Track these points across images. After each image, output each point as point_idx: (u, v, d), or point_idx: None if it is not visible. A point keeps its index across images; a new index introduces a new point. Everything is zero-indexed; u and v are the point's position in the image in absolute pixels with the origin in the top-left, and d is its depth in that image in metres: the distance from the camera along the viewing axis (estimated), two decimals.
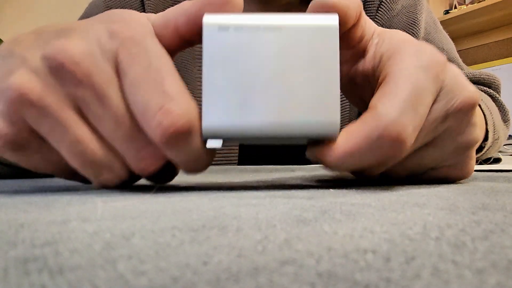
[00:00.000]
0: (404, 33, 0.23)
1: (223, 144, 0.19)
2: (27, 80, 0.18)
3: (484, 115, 0.47)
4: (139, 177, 0.22)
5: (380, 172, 0.22)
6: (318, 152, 0.19)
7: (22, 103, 0.18)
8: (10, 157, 0.19)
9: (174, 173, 0.23)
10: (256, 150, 0.59)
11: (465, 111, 0.21)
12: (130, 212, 0.13)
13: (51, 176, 0.37)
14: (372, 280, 0.07)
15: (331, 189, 0.20)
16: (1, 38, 1.17)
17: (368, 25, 0.23)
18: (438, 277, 0.07)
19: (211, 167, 0.50)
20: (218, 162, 0.57)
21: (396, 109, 0.18)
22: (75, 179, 0.21)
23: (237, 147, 0.58)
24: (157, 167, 0.19)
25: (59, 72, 0.18)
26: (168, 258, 0.08)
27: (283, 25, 0.19)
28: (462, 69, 0.59)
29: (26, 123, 0.18)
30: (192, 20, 0.20)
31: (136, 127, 0.18)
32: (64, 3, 1.48)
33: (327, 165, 0.19)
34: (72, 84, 0.18)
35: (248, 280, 0.07)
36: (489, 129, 0.47)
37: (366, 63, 0.23)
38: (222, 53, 0.19)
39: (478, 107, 0.48)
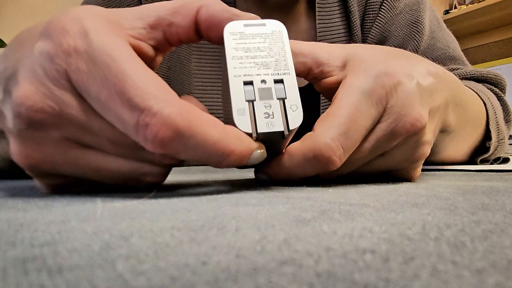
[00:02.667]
0: (373, 47, 0.25)
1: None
2: (20, 149, 0.18)
3: (488, 115, 0.47)
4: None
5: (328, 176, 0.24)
6: (267, 170, 0.23)
7: (31, 168, 0.18)
8: (47, 180, 0.20)
9: None
10: None
11: (412, 133, 0.23)
12: (129, 212, 0.13)
13: None
14: (371, 280, 0.07)
15: (330, 190, 0.20)
16: (1, 38, 1.17)
17: (332, 61, 0.25)
18: (437, 277, 0.07)
19: (211, 167, 0.50)
20: None
21: (330, 133, 0.21)
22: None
23: None
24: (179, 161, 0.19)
25: (34, 124, 0.17)
26: (167, 258, 0.08)
27: None
28: (467, 67, 0.59)
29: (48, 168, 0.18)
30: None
31: (132, 140, 0.17)
32: (64, 3, 1.48)
33: (277, 179, 0.23)
34: (52, 129, 0.17)
35: (247, 280, 0.07)
36: (491, 129, 0.47)
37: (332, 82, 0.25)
38: None
39: (482, 104, 0.48)
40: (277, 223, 0.11)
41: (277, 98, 0.20)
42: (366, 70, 0.23)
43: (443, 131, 0.32)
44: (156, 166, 0.19)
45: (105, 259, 0.08)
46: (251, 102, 0.19)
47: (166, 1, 0.20)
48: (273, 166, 0.22)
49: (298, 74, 0.25)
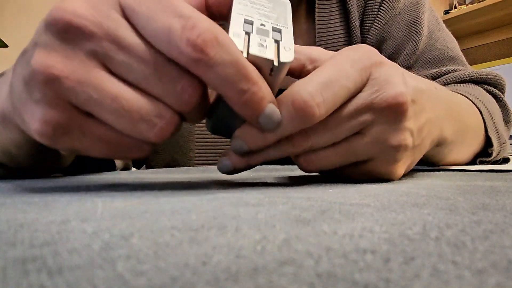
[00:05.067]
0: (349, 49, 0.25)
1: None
2: (46, 58, 0.18)
3: (485, 121, 0.47)
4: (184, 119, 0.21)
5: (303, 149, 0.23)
6: (242, 133, 0.22)
7: (51, 81, 0.17)
8: (63, 144, 0.19)
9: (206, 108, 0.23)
10: None
11: (392, 109, 0.23)
12: (129, 212, 0.13)
13: (50, 176, 0.37)
14: (371, 280, 0.07)
15: (330, 190, 0.20)
16: (1, 38, 1.17)
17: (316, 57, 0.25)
18: (438, 278, 0.07)
19: (210, 167, 0.50)
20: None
21: (311, 84, 0.21)
22: (132, 155, 0.21)
23: None
24: (199, 96, 0.19)
25: (68, 32, 0.17)
26: (167, 258, 0.08)
27: None
28: (466, 67, 0.59)
29: (65, 100, 0.18)
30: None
31: (164, 62, 0.18)
32: None
33: (253, 146, 0.22)
34: (86, 40, 0.18)
35: (247, 280, 0.07)
36: (491, 136, 0.47)
37: None
38: None
39: (477, 110, 0.48)
40: (277, 223, 0.11)
41: (273, 38, 0.21)
42: (353, 48, 0.23)
43: (440, 144, 0.32)
44: (171, 111, 0.19)
45: (105, 259, 0.08)
46: (248, 33, 0.20)
47: None
48: (249, 128, 0.21)
49: (292, 72, 0.25)
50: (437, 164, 0.42)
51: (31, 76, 0.18)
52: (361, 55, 0.23)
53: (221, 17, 0.22)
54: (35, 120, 0.18)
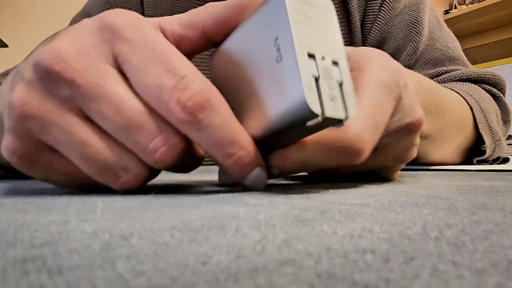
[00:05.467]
0: (371, 49, 0.24)
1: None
2: (25, 95, 0.18)
3: (475, 118, 0.47)
4: (159, 171, 0.20)
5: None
6: (273, 159, 0.20)
7: (24, 117, 0.18)
8: (28, 172, 0.19)
9: (198, 160, 0.22)
10: None
11: (410, 130, 0.23)
12: (129, 212, 0.13)
13: None
14: (371, 280, 0.07)
15: (330, 190, 0.20)
16: (1, 38, 1.17)
17: None
18: (438, 278, 0.07)
19: (210, 167, 0.50)
20: None
21: (361, 125, 0.19)
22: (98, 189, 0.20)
23: None
24: (174, 156, 0.18)
25: (49, 76, 0.17)
26: (167, 258, 0.08)
27: (247, 20, 0.19)
28: (467, 67, 0.59)
29: (34, 135, 0.18)
30: (222, 22, 0.20)
31: (143, 116, 0.18)
32: (64, 3, 1.48)
33: (284, 171, 0.20)
34: (64, 85, 0.17)
35: (247, 281, 0.07)
36: (482, 133, 0.47)
37: None
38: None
39: (470, 113, 0.48)
40: (277, 223, 0.11)
41: (337, 82, 0.17)
42: (382, 63, 0.22)
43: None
44: (141, 165, 0.18)
45: (105, 259, 0.08)
46: (316, 79, 0.17)
47: (180, 15, 0.21)
48: (283, 155, 0.20)
49: None
50: (423, 160, 0.43)
51: (9, 107, 0.18)
52: (391, 80, 0.22)
53: (219, 43, 0.21)
54: (4, 145, 0.19)
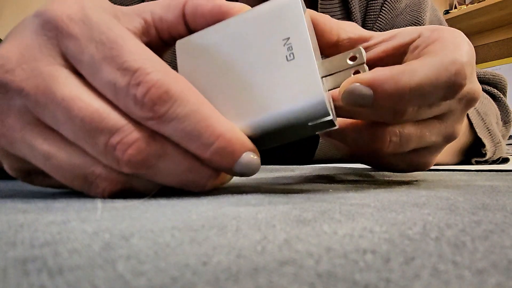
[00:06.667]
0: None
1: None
2: None
3: (471, 122, 0.47)
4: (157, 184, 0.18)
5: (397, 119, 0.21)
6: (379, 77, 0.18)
7: None
8: (26, 182, 0.19)
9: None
10: None
11: (472, 101, 0.22)
12: (129, 212, 0.13)
13: None
14: (371, 280, 0.07)
15: (330, 190, 0.20)
16: (1, 38, 1.17)
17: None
18: (438, 278, 0.07)
19: None
20: None
21: (463, 54, 0.20)
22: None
23: None
24: (143, 156, 0.16)
25: (0, 89, 0.17)
26: (168, 258, 0.08)
27: (245, 16, 0.19)
28: None
29: (9, 152, 0.18)
30: (202, 11, 0.19)
31: (100, 116, 0.16)
32: None
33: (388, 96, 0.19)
34: (16, 95, 0.16)
35: (248, 281, 0.07)
36: (481, 137, 0.47)
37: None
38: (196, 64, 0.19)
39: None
40: (277, 223, 0.11)
41: (328, 89, 0.19)
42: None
43: None
44: (109, 169, 0.17)
45: (105, 259, 0.08)
46: (323, 85, 0.18)
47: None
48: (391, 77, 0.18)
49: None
50: None
51: None
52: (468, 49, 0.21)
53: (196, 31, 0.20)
54: None
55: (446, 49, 0.20)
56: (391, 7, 0.57)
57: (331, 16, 0.24)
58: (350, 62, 0.18)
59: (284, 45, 0.18)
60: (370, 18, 0.57)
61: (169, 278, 0.07)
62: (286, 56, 0.17)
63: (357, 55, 0.18)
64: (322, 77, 0.17)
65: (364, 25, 0.57)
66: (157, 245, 0.09)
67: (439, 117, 0.23)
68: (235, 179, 0.28)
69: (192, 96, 0.16)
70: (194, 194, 0.19)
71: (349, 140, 0.22)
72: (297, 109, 0.17)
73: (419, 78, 0.19)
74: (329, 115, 0.17)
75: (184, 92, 0.16)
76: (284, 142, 0.19)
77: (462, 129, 0.47)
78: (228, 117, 0.17)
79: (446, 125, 0.23)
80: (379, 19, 0.57)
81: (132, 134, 0.16)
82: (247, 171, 0.17)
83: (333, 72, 0.18)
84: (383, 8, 0.57)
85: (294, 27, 0.18)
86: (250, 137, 0.18)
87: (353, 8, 0.56)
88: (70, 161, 0.17)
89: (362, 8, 0.57)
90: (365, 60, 0.18)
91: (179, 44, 0.20)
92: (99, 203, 0.15)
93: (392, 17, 0.57)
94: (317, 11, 0.57)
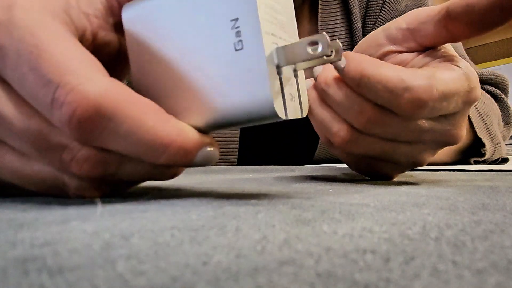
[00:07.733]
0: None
1: None
2: None
3: (472, 123, 0.47)
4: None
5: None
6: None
7: None
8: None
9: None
10: (256, 150, 0.58)
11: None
12: (129, 212, 0.13)
13: None
14: (371, 280, 0.07)
15: (330, 190, 0.20)
16: None
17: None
18: (438, 277, 0.07)
19: (210, 167, 0.50)
20: (218, 162, 0.57)
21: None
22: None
23: (237, 148, 0.58)
24: (99, 169, 0.15)
25: None
26: (168, 258, 0.08)
27: None
28: None
29: None
30: None
31: (40, 132, 0.15)
32: None
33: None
34: None
35: (248, 280, 0.07)
36: (481, 137, 0.47)
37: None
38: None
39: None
40: (277, 223, 0.11)
41: (294, 76, 0.16)
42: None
43: None
44: (76, 178, 0.16)
45: (105, 259, 0.08)
46: (280, 77, 0.15)
47: None
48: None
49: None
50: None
51: None
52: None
53: None
54: None
55: None
56: (391, 7, 0.57)
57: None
58: (312, 51, 0.15)
59: (232, 28, 0.15)
60: (370, 18, 0.57)
61: (169, 278, 0.07)
62: (234, 44, 0.15)
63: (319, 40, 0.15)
64: (281, 67, 0.15)
65: (364, 26, 0.57)
66: (157, 245, 0.09)
67: (435, 119, 0.23)
68: (235, 179, 0.28)
69: (132, 109, 0.14)
70: (194, 194, 0.19)
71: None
72: (244, 108, 0.15)
73: None
74: (277, 117, 0.15)
75: (121, 105, 0.14)
76: (239, 128, 0.18)
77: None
78: (177, 109, 0.16)
79: (442, 124, 0.23)
80: (379, 19, 0.57)
81: (81, 151, 0.15)
82: (207, 163, 0.16)
83: (298, 61, 0.16)
84: (383, 8, 0.57)
85: (245, 6, 0.15)
86: (202, 128, 0.16)
87: (353, 9, 0.56)
88: (39, 175, 0.16)
89: (362, 9, 0.57)
90: (329, 52, 0.15)
91: (126, 13, 0.17)
92: (99, 203, 0.15)
93: (392, 17, 0.57)
94: (318, 11, 0.57)
